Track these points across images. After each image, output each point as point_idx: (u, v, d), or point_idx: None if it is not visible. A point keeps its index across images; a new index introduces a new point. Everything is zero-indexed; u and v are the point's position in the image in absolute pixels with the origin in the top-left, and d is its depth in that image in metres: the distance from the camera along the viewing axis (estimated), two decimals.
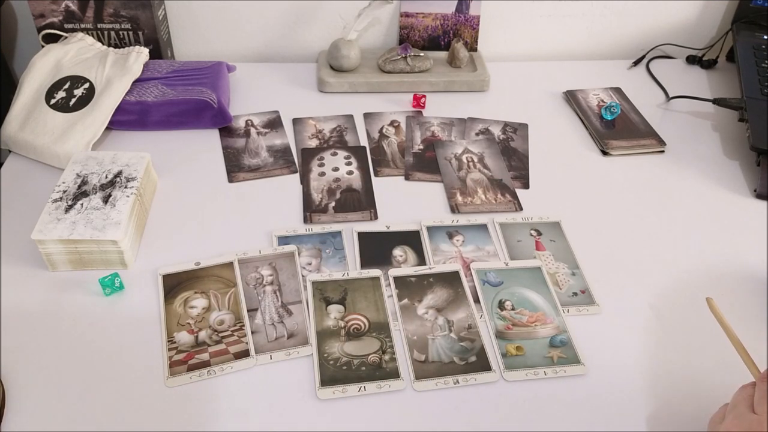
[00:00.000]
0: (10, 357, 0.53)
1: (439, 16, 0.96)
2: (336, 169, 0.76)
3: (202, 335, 0.56)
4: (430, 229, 0.68)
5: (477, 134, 0.84)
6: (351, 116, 0.86)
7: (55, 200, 0.62)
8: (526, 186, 0.75)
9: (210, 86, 0.81)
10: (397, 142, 0.82)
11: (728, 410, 0.46)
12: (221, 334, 0.56)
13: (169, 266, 0.62)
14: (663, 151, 0.82)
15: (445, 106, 0.88)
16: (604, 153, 0.82)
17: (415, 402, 0.52)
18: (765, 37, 0.95)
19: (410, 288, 0.61)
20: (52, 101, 0.76)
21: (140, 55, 0.82)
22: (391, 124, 0.85)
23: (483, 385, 0.53)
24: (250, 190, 0.73)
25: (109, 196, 0.63)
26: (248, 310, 0.58)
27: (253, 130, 0.82)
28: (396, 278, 0.62)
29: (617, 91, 0.94)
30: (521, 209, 0.71)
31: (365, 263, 0.64)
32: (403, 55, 0.91)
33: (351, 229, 0.67)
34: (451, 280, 0.62)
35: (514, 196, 0.73)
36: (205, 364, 0.53)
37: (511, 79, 0.96)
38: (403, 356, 0.55)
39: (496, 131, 0.84)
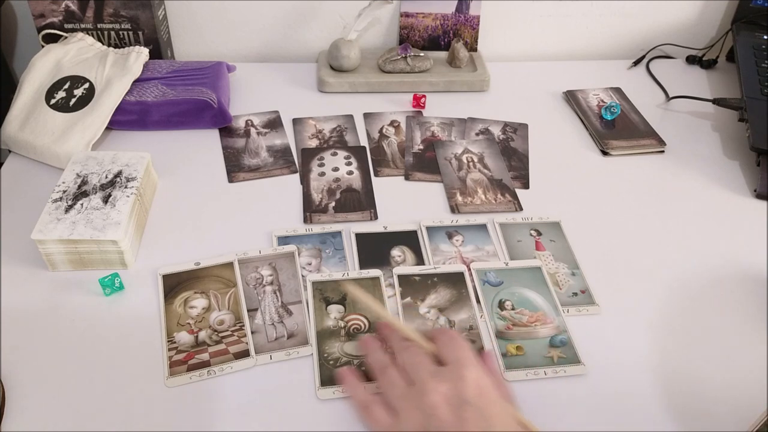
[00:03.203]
0: (10, 357, 0.53)
1: (439, 16, 0.96)
2: (336, 169, 0.76)
3: (202, 335, 0.56)
4: (429, 229, 0.68)
5: (477, 134, 0.84)
6: (351, 116, 0.86)
7: (55, 200, 0.62)
8: (526, 186, 0.75)
9: (210, 86, 0.81)
10: (397, 142, 0.82)
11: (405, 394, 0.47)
12: (221, 334, 0.56)
13: (169, 266, 0.62)
14: (663, 151, 0.82)
15: (445, 106, 0.88)
16: (604, 153, 0.82)
17: None
18: (765, 37, 0.95)
19: (414, 287, 0.61)
20: (52, 101, 0.76)
21: (140, 55, 0.82)
22: (391, 124, 0.85)
23: None
24: (250, 190, 0.73)
25: (109, 196, 0.63)
26: (248, 310, 0.58)
27: (253, 130, 0.82)
28: (400, 276, 0.62)
29: (617, 91, 0.94)
30: (521, 209, 0.71)
31: (363, 264, 0.64)
32: (403, 55, 0.91)
33: (350, 229, 0.67)
34: (455, 280, 0.62)
35: (514, 196, 0.73)
36: (205, 364, 0.53)
37: (511, 79, 0.95)
38: None
39: (496, 131, 0.84)
